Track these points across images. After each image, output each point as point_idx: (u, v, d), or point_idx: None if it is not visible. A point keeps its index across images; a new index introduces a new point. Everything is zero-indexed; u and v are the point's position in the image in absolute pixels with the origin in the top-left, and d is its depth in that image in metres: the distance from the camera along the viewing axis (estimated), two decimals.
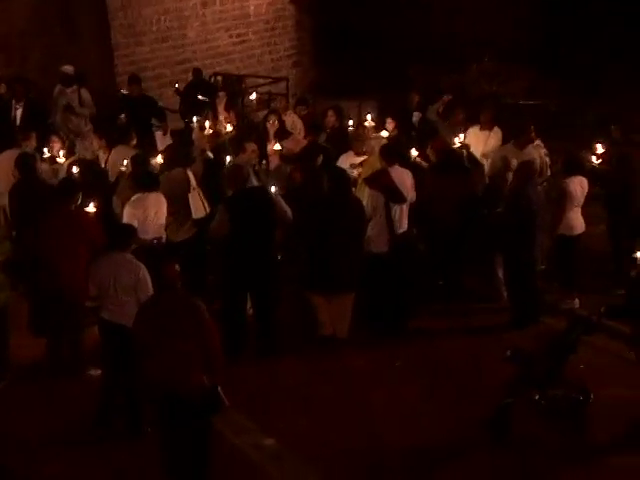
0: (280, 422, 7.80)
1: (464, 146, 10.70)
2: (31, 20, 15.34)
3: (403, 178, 9.42)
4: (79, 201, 8.76)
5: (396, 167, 9.42)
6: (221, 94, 13.28)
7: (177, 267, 6.75)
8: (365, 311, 9.34)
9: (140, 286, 7.45)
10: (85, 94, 13.06)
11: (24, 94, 12.69)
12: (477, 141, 11.03)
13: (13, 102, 12.64)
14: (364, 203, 9.22)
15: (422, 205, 9.73)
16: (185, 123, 13.51)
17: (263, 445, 7.56)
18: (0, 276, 8.34)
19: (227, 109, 12.88)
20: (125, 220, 8.96)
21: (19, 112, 12.53)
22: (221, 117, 12.50)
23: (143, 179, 9.25)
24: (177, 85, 14.98)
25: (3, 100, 12.86)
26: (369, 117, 11.63)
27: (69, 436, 7.66)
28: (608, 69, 15.93)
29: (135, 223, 8.76)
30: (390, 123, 11.45)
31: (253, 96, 14.09)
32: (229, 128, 11.83)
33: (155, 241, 9.06)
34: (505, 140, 11.02)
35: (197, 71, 15.18)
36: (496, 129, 11.26)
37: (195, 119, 12.03)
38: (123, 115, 12.56)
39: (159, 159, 10.31)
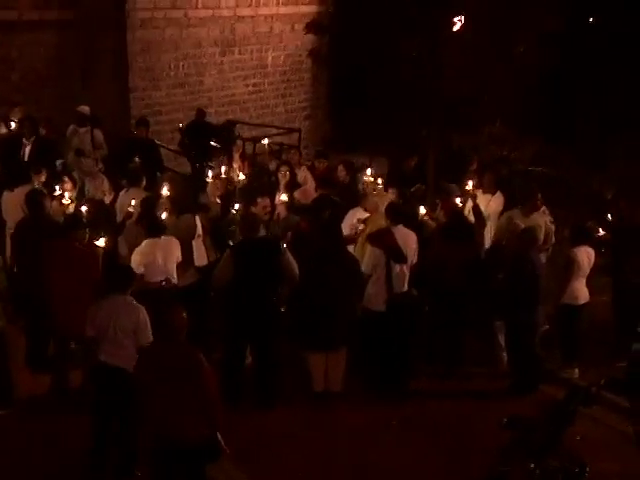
0: (273, 474, 7.74)
1: (471, 195, 10.76)
2: (51, 60, 15.63)
3: (407, 239, 9.37)
4: (86, 238, 8.78)
5: (400, 227, 9.39)
6: (238, 142, 13.38)
7: (184, 315, 6.67)
8: (361, 367, 9.30)
9: (139, 329, 7.44)
10: (98, 135, 13.19)
11: (33, 132, 12.77)
12: (479, 204, 11.13)
13: (23, 139, 12.76)
14: (365, 259, 9.23)
15: (426, 267, 9.69)
16: (194, 167, 13.58)
17: None
18: None
19: (242, 158, 12.95)
20: (132, 266, 8.99)
21: (27, 149, 12.64)
22: (235, 165, 12.57)
23: (149, 226, 9.30)
24: (181, 125, 15.17)
25: (14, 138, 12.97)
26: (369, 172, 11.52)
27: (62, 474, 7.63)
28: (616, 138, 16.08)
29: (141, 269, 8.85)
30: (393, 193, 11.25)
31: (265, 141, 14.18)
32: (242, 177, 11.89)
33: (163, 282, 9.06)
34: (513, 205, 11.07)
35: (200, 112, 15.37)
36: (498, 194, 11.27)
37: (210, 171, 12.03)
38: (137, 158, 12.62)
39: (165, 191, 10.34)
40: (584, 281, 9.67)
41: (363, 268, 9.20)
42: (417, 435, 8.53)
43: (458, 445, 8.31)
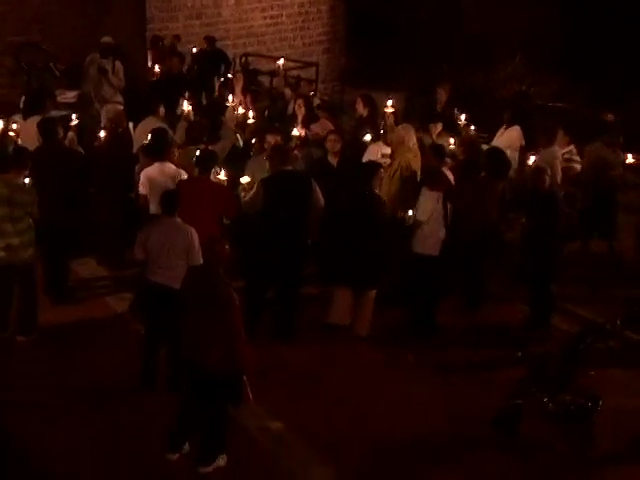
0: (288, 406, 7.82)
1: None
2: None
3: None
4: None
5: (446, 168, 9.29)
6: (237, 75, 13.15)
7: (227, 248, 6.84)
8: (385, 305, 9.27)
9: (191, 249, 7.62)
10: (118, 66, 13.10)
11: None
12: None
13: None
14: (421, 205, 9.00)
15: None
16: (210, 100, 13.41)
17: (269, 428, 7.60)
18: (30, 233, 8.46)
19: (244, 92, 12.65)
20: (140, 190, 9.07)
21: None
22: (236, 99, 12.28)
23: (153, 150, 9.29)
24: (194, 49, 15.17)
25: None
26: (389, 103, 11.11)
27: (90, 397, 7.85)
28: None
29: (145, 192, 8.97)
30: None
31: (281, 61, 13.85)
32: (241, 111, 11.64)
33: None
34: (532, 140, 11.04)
35: (210, 39, 15.23)
36: (516, 127, 11.27)
37: (231, 98, 11.85)
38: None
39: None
40: None
41: (418, 214, 8.96)
42: (433, 369, 8.59)
43: (473, 380, 8.37)
